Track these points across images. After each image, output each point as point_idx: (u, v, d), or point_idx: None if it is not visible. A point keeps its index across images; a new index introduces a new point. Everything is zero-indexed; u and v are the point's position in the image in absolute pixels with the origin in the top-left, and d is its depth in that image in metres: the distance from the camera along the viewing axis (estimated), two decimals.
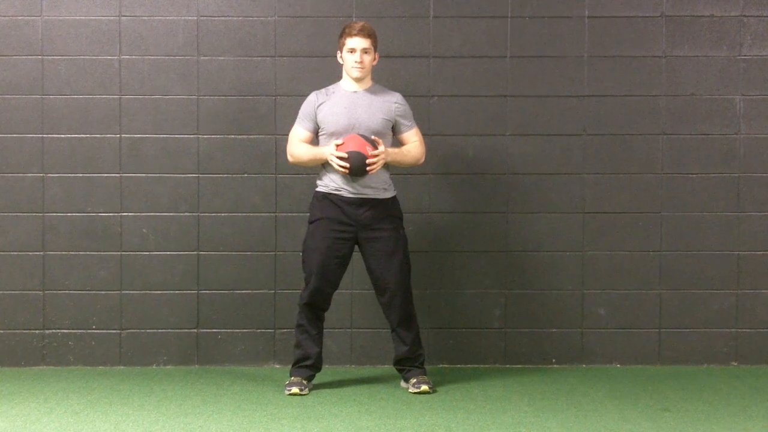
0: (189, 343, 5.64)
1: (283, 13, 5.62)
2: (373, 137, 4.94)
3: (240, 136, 5.62)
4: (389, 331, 5.17)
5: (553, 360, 5.67)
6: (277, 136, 5.57)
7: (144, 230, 5.61)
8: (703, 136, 5.64)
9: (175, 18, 5.61)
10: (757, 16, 5.63)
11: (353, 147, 4.90)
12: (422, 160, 5.15)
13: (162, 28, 5.61)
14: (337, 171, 4.93)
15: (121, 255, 5.61)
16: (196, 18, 5.61)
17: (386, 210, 5.04)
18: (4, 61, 5.59)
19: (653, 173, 5.64)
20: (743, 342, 5.66)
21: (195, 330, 5.64)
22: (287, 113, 5.56)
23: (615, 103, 5.64)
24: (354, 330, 5.64)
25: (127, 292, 5.62)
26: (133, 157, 5.61)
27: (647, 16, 5.63)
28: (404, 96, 5.12)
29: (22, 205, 5.60)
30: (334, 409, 4.69)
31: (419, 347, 5.13)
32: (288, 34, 5.61)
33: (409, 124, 5.10)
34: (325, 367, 5.37)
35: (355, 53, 4.97)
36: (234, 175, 5.62)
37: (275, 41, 5.61)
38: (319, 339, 5.09)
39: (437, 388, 5.09)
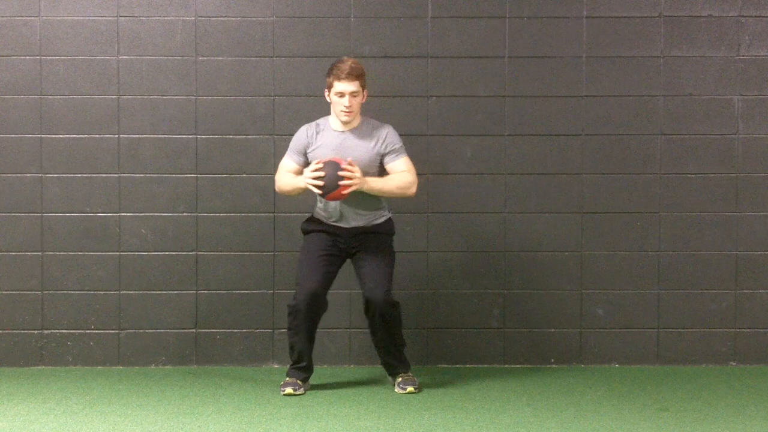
0: (187, 344, 5.63)
1: (281, 14, 5.62)
2: (349, 159, 4.88)
3: (238, 137, 5.62)
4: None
5: (552, 360, 5.68)
6: (276, 137, 5.57)
7: (142, 230, 5.61)
8: (701, 136, 5.65)
9: (173, 18, 5.61)
10: (756, 17, 5.64)
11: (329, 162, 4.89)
12: (411, 190, 5.01)
13: (160, 29, 5.61)
14: (313, 191, 4.86)
15: (119, 255, 5.61)
16: (194, 18, 5.61)
17: (376, 228, 5.06)
18: (2, 61, 5.59)
19: (651, 173, 5.64)
20: (742, 342, 5.66)
21: (193, 330, 5.64)
22: (285, 113, 5.57)
23: (613, 103, 5.64)
24: (352, 330, 5.63)
25: (125, 292, 5.62)
26: (131, 157, 5.61)
27: (645, 17, 5.63)
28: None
29: (20, 205, 5.59)
30: (333, 409, 4.69)
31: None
32: (286, 35, 5.61)
33: (395, 155, 5.01)
34: (324, 367, 5.37)
35: (343, 97, 4.91)
36: (232, 175, 5.62)
37: (273, 41, 5.61)
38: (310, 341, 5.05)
39: (436, 388, 5.09)
